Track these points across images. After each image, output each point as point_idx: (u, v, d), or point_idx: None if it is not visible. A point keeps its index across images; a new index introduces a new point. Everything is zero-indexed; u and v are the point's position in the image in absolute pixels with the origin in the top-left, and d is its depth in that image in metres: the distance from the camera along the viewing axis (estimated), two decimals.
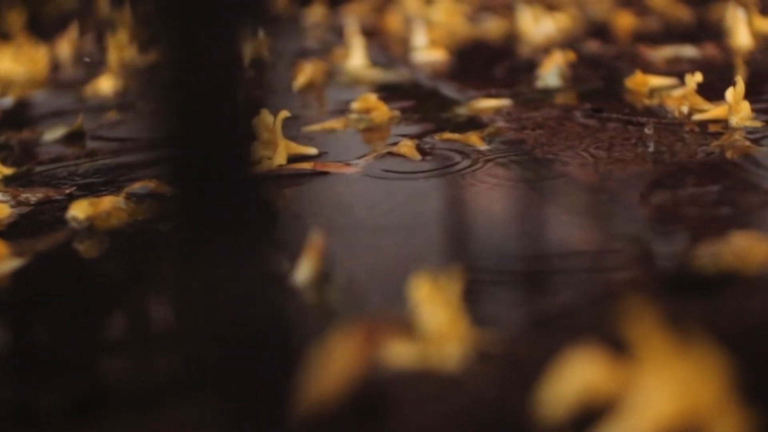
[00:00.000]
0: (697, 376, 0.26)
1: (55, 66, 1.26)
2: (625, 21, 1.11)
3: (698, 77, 0.66)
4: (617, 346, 0.28)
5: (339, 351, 0.30)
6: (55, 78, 1.18)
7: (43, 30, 1.45)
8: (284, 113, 0.61)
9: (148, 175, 0.63)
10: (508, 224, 0.45)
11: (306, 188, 0.57)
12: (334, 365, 0.29)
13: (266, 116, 0.62)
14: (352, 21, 1.11)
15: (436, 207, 0.49)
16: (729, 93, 0.63)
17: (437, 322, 0.33)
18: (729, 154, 0.56)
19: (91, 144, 0.78)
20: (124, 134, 0.79)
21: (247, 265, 0.30)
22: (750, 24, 0.97)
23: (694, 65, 0.86)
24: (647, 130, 0.61)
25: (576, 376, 0.28)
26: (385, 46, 1.12)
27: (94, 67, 1.15)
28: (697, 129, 0.62)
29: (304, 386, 0.29)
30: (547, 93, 0.78)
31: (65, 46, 1.31)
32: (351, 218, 0.50)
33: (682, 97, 0.68)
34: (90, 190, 0.59)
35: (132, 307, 0.44)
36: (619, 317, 0.29)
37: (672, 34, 1.06)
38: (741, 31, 0.92)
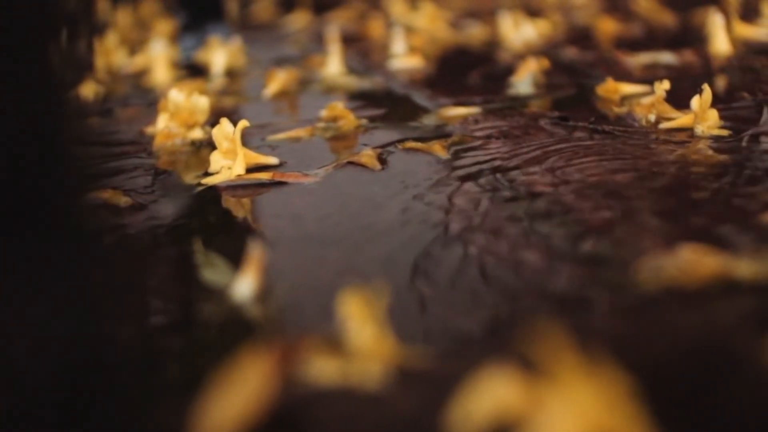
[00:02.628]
0: (604, 397, 0.25)
1: None
2: (607, 27, 1.11)
3: (666, 85, 0.65)
4: (531, 366, 0.27)
5: (249, 372, 0.29)
6: None
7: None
8: (244, 123, 0.60)
9: (104, 185, 0.62)
10: (455, 239, 0.45)
11: (261, 199, 0.56)
12: (242, 387, 0.28)
13: (226, 125, 0.61)
14: (332, 28, 1.11)
15: (387, 218, 0.49)
16: (694, 101, 0.62)
17: (362, 339, 0.33)
18: (688, 164, 0.55)
19: None
20: None
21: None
22: (730, 30, 0.97)
23: (671, 72, 0.86)
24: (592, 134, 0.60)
25: (488, 396, 0.27)
26: (366, 53, 1.12)
27: None
28: (662, 137, 0.62)
29: (204, 411, 0.28)
30: (519, 101, 0.77)
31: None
32: (301, 230, 0.49)
33: (650, 105, 0.67)
34: None
35: None
36: (534, 338, 0.28)
37: (654, 39, 1.06)
38: (719, 38, 0.91)
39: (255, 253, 0.41)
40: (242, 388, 0.28)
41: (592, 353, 0.30)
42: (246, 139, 0.70)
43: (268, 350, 0.31)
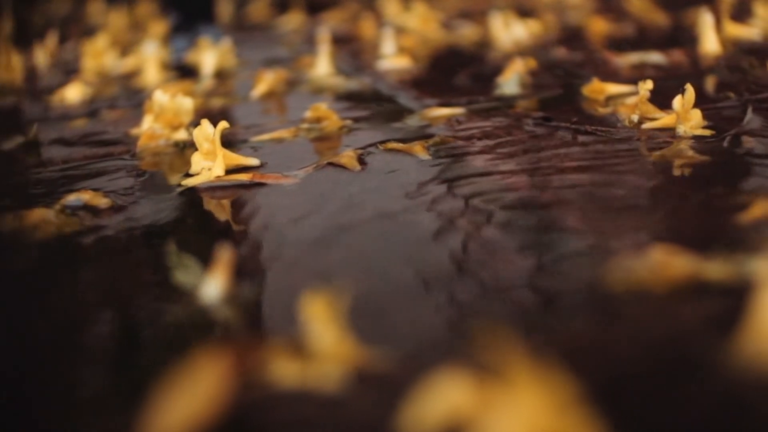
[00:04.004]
0: (554, 400, 0.25)
1: (32, 73, 1.26)
2: (598, 27, 1.11)
3: (649, 85, 0.65)
4: (485, 369, 0.27)
5: (202, 373, 0.29)
6: (30, 86, 1.18)
7: (31, 37, 1.45)
8: (223, 124, 0.60)
9: (87, 186, 0.62)
10: (428, 241, 0.44)
11: (239, 200, 0.56)
12: (194, 389, 0.28)
13: (207, 127, 0.61)
14: (323, 29, 1.11)
15: (362, 220, 0.49)
16: (676, 101, 0.62)
17: (323, 341, 0.33)
18: (667, 165, 0.55)
19: (46, 153, 0.78)
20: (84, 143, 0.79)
21: None
22: (721, 29, 0.96)
23: (659, 72, 0.85)
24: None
25: (440, 399, 0.27)
26: (357, 54, 1.12)
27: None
28: (644, 138, 0.61)
29: (152, 414, 0.28)
30: (504, 101, 0.77)
31: (42, 54, 1.32)
32: (275, 230, 0.49)
33: (633, 105, 0.67)
34: (27, 202, 0.59)
35: None
36: (490, 340, 0.28)
37: (645, 39, 1.05)
38: (709, 37, 0.91)
39: (224, 255, 0.41)
40: (194, 390, 0.28)
41: (547, 356, 0.30)
42: (231, 141, 0.70)
43: (225, 352, 0.31)
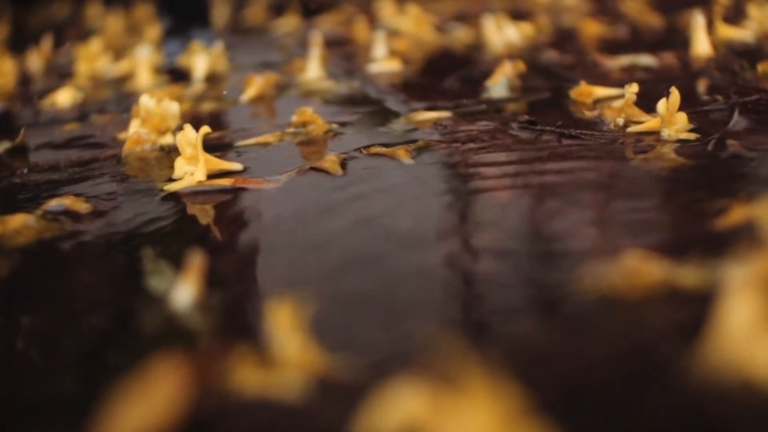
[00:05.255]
0: (509, 410, 0.25)
1: (26, 78, 1.26)
2: (591, 29, 1.10)
3: (634, 88, 0.65)
4: (443, 379, 0.27)
5: (159, 381, 0.29)
6: (23, 90, 1.18)
7: (29, 41, 1.45)
8: (205, 129, 0.60)
9: (71, 191, 0.62)
10: (402, 248, 0.44)
11: (220, 205, 0.56)
12: (149, 398, 0.28)
13: (189, 131, 0.61)
14: (315, 32, 1.11)
15: (340, 225, 0.48)
16: (661, 104, 0.62)
17: (286, 349, 0.32)
18: (648, 169, 0.55)
19: (34, 158, 0.78)
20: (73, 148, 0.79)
21: None
22: (713, 31, 0.96)
23: (649, 74, 0.85)
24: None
25: (395, 408, 0.27)
26: (350, 57, 1.12)
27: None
28: (628, 141, 0.61)
29: (103, 423, 0.27)
30: (492, 104, 0.76)
31: (36, 58, 1.32)
32: (252, 236, 0.49)
33: (619, 108, 0.66)
34: (10, 207, 0.58)
35: None
36: (450, 350, 0.28)
37: (638, 41, 1.05)
38: (700, 39, 0.91)
39: (195, 261, 0.40)
40: (150, 397, 0.28)
41: (505, 365, 0.29)
42: (216, 145, 0.70)
43: (186, 358, 0.30)
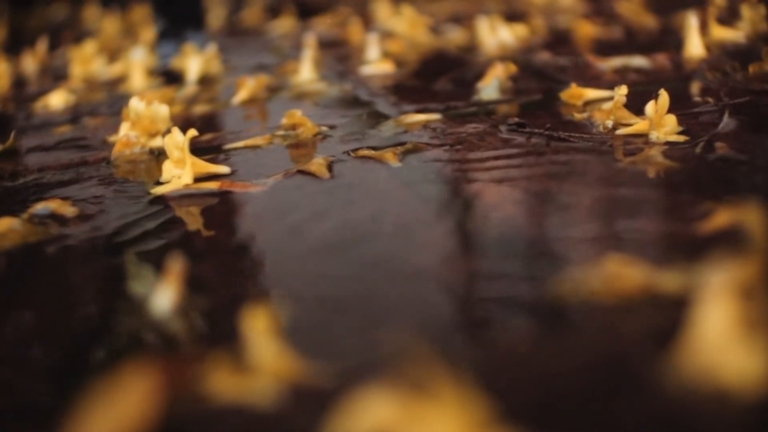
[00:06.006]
0: (477, 419, 0.24)
1: (21, 80, 1.26)
2: (585, 30, 1.10)
3: (623, 90, 0.64)
4: (414, 386, 0.26)
5: (130, 388, 0.28)
6: (17, 92, 1.18)
7: (25, 43, 1.45)
8: (192, 132, 0.60)
9: (58, 194, 0.62)
10: (383, 254, 0.44)
11: (206, 209, 0.56)
12: (119, 405, 0.28)
13: (177, 134, 0.61)
14: (309, 34, 1.10)
15: (324, 230, 0.48)
16: (649, 107, 0.61)
17: (262, 355, 0.32)
18: (634, 172, 0.54)
19: (24, 161, 0.78)
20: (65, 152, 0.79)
21: None
22: (707, 32, 0.96)
23: (641, 76, 0.85)
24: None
25: (366, 415, 0.26)
26: (344, 59, 1.12)
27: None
28: (616, 144, 0.61)
29: (73, 427, 0.27)
30: (482, 107, 0.76)
31: (31, 60, 1.32)
32: (235, 240, 0.48)
33: (609, 110, 0.66)
34: None
35: None
36: (422, 357, 0.28)
37: (632, 43, 1.05)
38: (693, 40, 0.90)
39: (175, 266, 0.40)
40: (121, 403, 0.28)
41: (479, 372, 0.29)
42: (206, 148, 0.70)
43: (160, 364, 0.30)
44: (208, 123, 0.82)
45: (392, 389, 0.27)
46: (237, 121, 0.83)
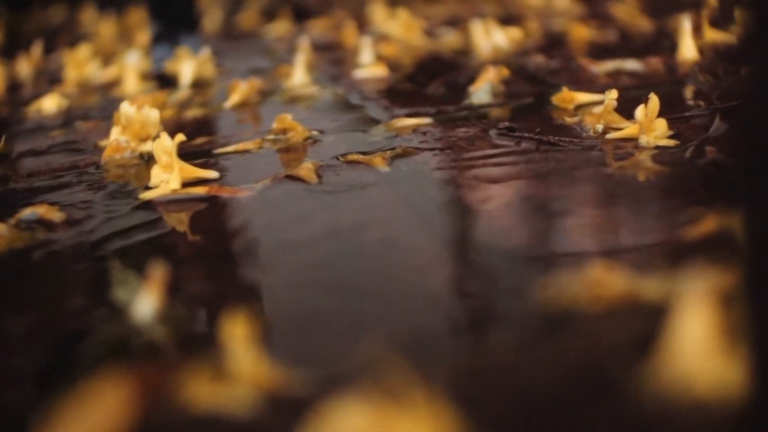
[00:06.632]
0: (449, 428, 0.24)
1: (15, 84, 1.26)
2: (580, 33, 1.10)
3: (614, 94, 0.64)
4: (388, 396, 0.26)
5: (105, 395, 0.28)
6: (12, 96, 1.18)
7: (22, 47, 1.45)
8: (180, 137, 0.60)
9: (47, 199, 0.62)
10: (367, 260, 0.44)
11: (193, 214, 0.56)
12: (94, 410, 0.27)
13: (165, 139, 0.61)
14: (302, 38, 1.10)
15: (308, 235, 0.48)
16: (639, 111, 0.61)
17: (239, 363, 0.32)
18: (622, 177, 0.54)
19: (15, 165, 0.78)
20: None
21: None
22: (700, 35, 0.95)
23: (634, 79, 0.85)
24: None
25: (341, 423, 0.26)
26: (338, 62, 1.11)
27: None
28: (606, 148, 0.61)
29: None
30: (474, 110, 0.76)
31: (27, 64, 1.32)
32: (221, 246, 0.48)
33: (599, 114, 0.66)
34: None
35: None
36: (397, 366, 0.28)
37: (626, 46, 1.04)
38: (686, 44, 0.90)
39: (157, 273, 0.40)
40: (96, 410, 0.27)
41: (455, 380, 0.29)
42: (195, 152, 0.70)
43: (137, 372, 0.30)
44: (200, 127, 0.82)
45: (367, 398, 0.27)
46: (229, 125, 0.83)
